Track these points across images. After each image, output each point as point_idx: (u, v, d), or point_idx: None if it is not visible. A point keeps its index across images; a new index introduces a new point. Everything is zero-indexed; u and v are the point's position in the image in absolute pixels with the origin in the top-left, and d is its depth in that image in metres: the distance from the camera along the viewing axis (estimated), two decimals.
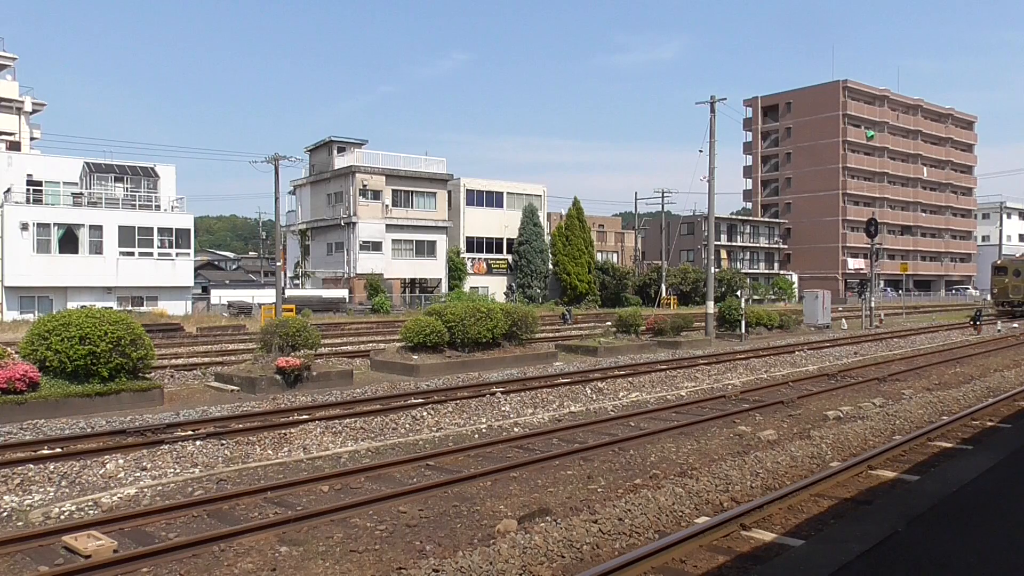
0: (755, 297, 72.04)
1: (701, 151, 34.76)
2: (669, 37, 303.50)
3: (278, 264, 43.60)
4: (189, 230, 47.08)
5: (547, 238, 61.80)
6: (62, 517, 8.07)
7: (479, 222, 59.97)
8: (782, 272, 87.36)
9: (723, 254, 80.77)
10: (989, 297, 58.01)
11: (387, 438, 11.98)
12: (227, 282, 65.88)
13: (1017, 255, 59.22)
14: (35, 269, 41.34)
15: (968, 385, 17.04)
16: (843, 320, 40.25)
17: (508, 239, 60.85)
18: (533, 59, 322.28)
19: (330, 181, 56.33)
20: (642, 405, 15.26)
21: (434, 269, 56.69)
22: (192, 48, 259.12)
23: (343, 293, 50.22)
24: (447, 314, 21.64)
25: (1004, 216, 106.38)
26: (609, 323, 30.74)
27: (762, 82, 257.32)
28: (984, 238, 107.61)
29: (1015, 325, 38.08)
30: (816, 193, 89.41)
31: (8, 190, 42.56)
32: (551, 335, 31.46)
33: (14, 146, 52.95)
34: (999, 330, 35.27)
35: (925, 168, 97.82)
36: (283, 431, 12.00)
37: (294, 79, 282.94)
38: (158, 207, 46.19)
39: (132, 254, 44.29)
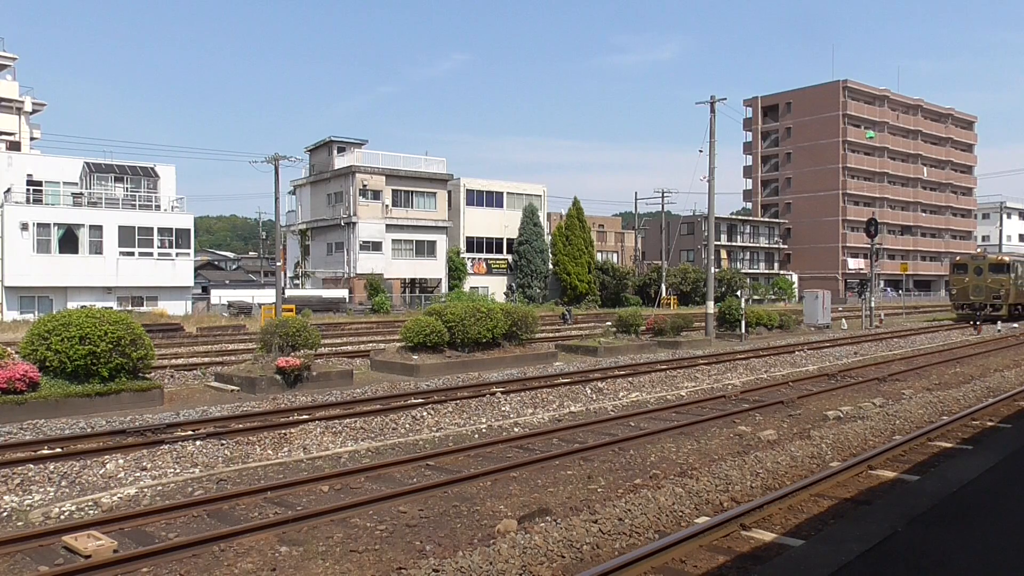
0: (755, 297, 72.02)
1: (701, 151, 34.78)
2: (668, 37, 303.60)
3: (278, 264, 43.57)
4: (189, 230, 47.09)
5: (547, 238, 61.78)
6: (62, 517, 8.07)
7: (479, 222, 59.95)
8: (782, 272, 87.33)
9: (723, 254, 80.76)
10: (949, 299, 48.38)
11: (387, 438, 11.97)
12: (227, 282, 65.93)
13: (976, 251, 54.06)
14: (35, 269, 41.33)
15: (968, 385, 17.03)
16: (843, 320, 40.24)
17: (508, 239, 60.84)
18: (533, 59, 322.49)
19: (330, 181, 56.33)
20: (642, 405, 15.25)
21: (434, 269, 56.68)
22: (192, 48, 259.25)
23: (343, 293, 50.21)
24: (447, 314, 21.62)
25: (1004, 216, 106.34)
26: (609, 323, 30.71)
27: (762, 82, 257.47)
28: (984, 238, 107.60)
29: (1015, 325, 38.07)
30: (816, 193, 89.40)
31: (8, 190, 42.56)
32: (551, 335, 31.46)
33: (14, 146, 52.96)
34: (999, 330, 35.27)
35: (925, 168, 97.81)
36: (283, 431, 11.99)
37: (294, 79, 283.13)
38: (158, 207, 46.19)
39: (132, 254, 44.29)
